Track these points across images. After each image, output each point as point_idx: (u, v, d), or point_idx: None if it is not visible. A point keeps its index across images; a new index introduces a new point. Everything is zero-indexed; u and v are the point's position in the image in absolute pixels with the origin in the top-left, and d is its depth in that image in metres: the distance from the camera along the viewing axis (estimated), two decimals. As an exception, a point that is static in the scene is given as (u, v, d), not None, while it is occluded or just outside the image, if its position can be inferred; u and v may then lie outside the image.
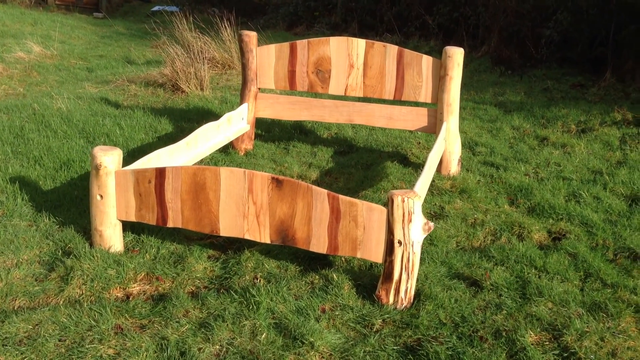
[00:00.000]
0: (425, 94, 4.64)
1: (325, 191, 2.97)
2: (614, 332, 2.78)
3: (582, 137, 5.68)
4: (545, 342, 2.72)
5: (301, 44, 4.77)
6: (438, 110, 4.66)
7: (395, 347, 2.69)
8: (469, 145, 5.44)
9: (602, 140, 5.57)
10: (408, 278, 2.94)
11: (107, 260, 3.21)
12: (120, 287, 3.07)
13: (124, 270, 3.15)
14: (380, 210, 2.91)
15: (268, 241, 3.12)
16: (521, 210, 4.10)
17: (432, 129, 4.75)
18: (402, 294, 2.96)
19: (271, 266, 3.31)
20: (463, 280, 3.22)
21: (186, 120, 5.94)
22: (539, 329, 2.79)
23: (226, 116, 4.69)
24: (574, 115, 6.21)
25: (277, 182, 3.02)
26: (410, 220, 2.86)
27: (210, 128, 4.39)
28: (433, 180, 4.53)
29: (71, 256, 3.23)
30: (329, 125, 5.85)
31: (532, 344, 2.68)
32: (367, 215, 2.93)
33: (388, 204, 2.88)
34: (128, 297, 3.02)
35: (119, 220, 3.34)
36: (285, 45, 4.82)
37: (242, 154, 5.08)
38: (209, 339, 2.67)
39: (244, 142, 5.09)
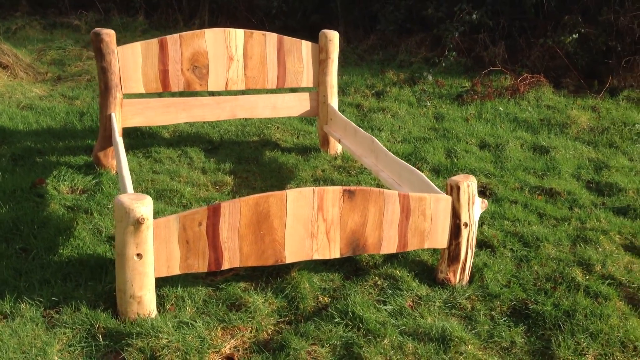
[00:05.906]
0: (306, 79, 4.69)
1: (396, 192, 2.98)
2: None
3: (383, 99, 6.38)
4: (588, 276, 3.31)
5: (172, 39, 4.30)
6: (320, 93, 4.77)
7: (505, 319, 2.95)
8: (308, 121, 5.61)
9: (402, 100, 6.35)
10: (472, 255, 3.19)
11: (176, 327, 2.65)
12: (213, 352, 2.60)
13: (201, 334, 2.66)
14: (446, 199, 3.07)
15: (338, 256, 2.99)
16: (429, 173, 4.59)
17: (315, 112, 4.85)
18: (466, 271, 3.20)
19: (319, 281, 3.16)
20: (472, 245, 3.59)
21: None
22: (576, 268, 3.36)
23: (116, 132, 4.00)
24: (358, 81, 6.86)
25: (349, 193, 2.90)
26: (473, 202, 3.10)
27: (122, 151, 3.74)
28: (332, 160, 4.69)
29: (133, 336, 2.56)
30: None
31: (584, 280, 3.24)
32: (435, 206, 3.06)
33: (452, 191, 3.06)
34: (230, 360, 2.60)
35: (155, 278, 2.76)
36: (153, 42, 4.28)
37: (115, 172, 4.39)
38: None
39: (113, 158, 4.39)
